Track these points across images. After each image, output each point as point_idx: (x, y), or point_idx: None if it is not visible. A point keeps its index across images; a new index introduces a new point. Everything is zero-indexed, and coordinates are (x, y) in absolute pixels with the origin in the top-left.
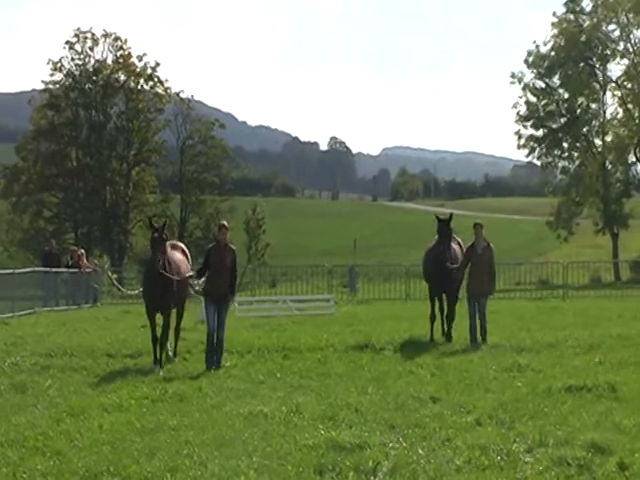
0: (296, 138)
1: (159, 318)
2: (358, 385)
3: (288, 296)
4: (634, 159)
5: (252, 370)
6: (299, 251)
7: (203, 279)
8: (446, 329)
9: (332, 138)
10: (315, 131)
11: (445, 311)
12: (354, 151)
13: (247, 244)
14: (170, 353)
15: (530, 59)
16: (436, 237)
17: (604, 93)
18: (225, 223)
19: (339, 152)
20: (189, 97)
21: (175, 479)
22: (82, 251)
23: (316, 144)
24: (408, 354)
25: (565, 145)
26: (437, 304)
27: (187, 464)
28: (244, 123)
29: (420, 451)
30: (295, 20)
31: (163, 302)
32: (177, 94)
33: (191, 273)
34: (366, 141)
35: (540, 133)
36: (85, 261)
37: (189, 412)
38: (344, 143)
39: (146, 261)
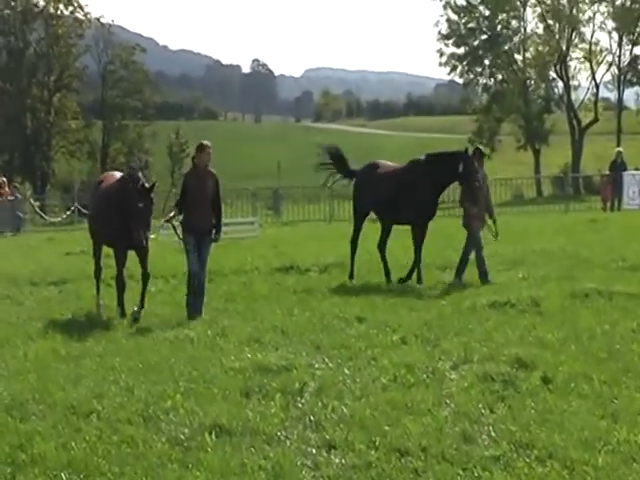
0: (218, 61)
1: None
2: (283, 307)
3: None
4: (554, 75)
5: (177, 295)
6: (223, 174)
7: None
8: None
9: (254, 60)
10: (237, 54)
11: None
12: (276, 73)
13: (170, 168)
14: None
15: None
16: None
17: (524, 9)
18: (208, 143)
19: (261, 74)
20: (109, 22)
21: (101, 405)
22: (3, 179)
23: (238, 67)
24: (333, 275)
25: (486, 62)
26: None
27: (113, 390)
28: (165, 47)
29: (346, 371)
30: None
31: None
32: (97, 19)
33: (173, 213)
34: (288, 63)
35: (461, 51)
36: (7, 189)
37: (115, 338)
38: (266, 65)
39: (106, 197)
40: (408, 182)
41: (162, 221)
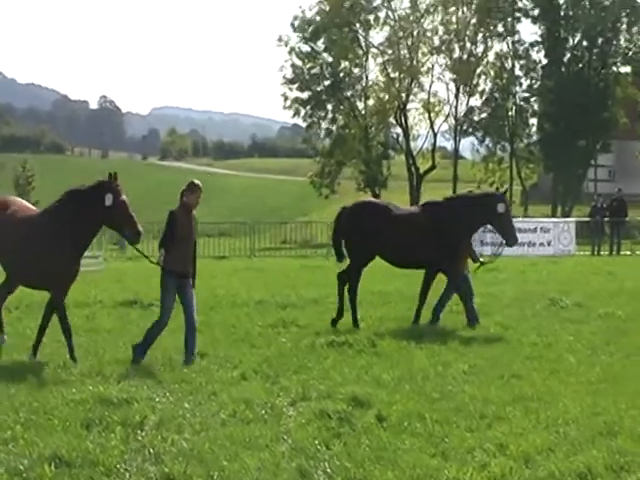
0: (65, 96)
1: None
2: (126, 341)
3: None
4: (394, 123)
5: (20, 326)
6: None
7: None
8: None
9: (102, 97)
10: (85, 90)
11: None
12: (124, 110)
13: None
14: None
15: (296, 23)
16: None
17: (367, 59)
18: (200, 184)
19: (109, 111)
20: None
21: None
22: None
23: (86, 102)
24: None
25: (329, 107)
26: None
27: None
28: (13, 80)
29: (186, 405)
30: None
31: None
32: None
33: (162, 255)
34: (136, 101)
35: (305, 95)
36: None
37: None
38: (114, 102)
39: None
40: (436, 225)
41: (159, 265)
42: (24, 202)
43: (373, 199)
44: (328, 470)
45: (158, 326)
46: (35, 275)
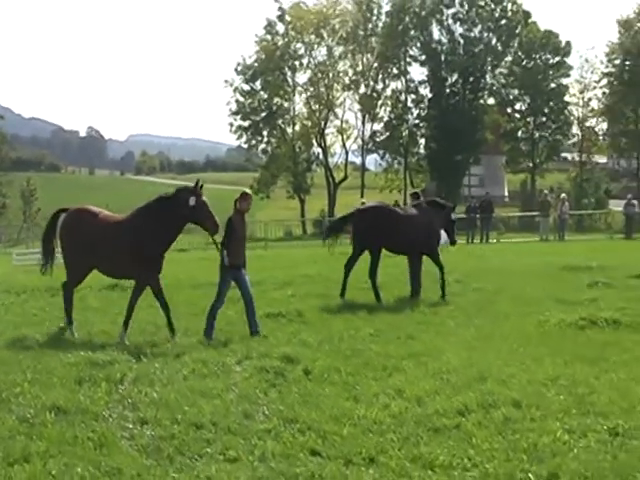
0: (61, 127)
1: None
2: (110, 317)
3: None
4: (316, 143)
5: (27, 306)
6: None
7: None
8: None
9: (89, 127)
10: (76, 121)
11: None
12: (106, 137)
13: (22, 209)
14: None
15: (239, 68)
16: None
17: (294, 95)
18: (250, 192)
19: (94, 138)
20: None
21: None
22: None
23: (77, 132)
24: (148, 292)
25: (265, 133)
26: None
27: None
28: (20, 115)
29: (156, 365)
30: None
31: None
32: None
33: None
34: (116, 129)
35: (246, 124)
36: None
37: None
38: (99, 131)
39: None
40: (422, 221)
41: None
42: (102, 210)
43: (377, 203)
44: (266, 412)
45: (215, 307)
46: (127, 267)
